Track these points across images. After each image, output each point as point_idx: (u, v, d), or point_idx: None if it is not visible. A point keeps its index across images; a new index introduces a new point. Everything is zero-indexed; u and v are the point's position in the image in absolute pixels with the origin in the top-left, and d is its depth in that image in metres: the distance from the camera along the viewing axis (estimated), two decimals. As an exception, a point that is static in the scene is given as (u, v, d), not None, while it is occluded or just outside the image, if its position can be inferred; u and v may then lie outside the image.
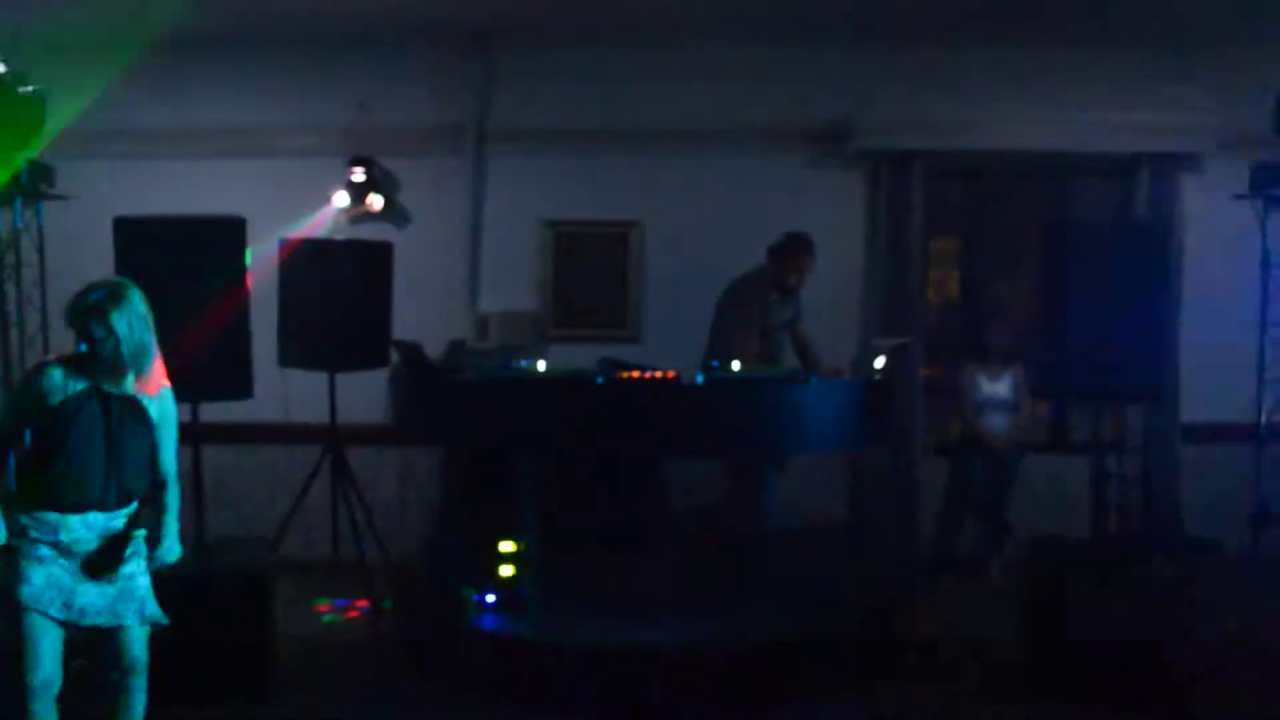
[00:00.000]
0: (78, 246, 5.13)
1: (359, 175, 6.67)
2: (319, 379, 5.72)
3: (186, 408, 4.97)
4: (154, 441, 3.40)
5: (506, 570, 5.14)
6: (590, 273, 7.01)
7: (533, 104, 6.77)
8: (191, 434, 4.78)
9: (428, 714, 4.57)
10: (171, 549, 3.49)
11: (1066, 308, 4.77)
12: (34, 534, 3.23)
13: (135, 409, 3.34)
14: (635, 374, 5.01)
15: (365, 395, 6.11)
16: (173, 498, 3.51)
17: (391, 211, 6.77)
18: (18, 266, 5.12)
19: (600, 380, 4.94)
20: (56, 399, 3.22)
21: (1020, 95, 6.60)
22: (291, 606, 5.38)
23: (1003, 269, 7.28)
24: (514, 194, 6.85)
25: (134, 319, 3.27)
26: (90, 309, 3.22)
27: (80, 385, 3.25)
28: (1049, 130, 6.59)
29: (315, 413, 5.81)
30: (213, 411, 4.91)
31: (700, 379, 4.88)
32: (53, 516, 3.23)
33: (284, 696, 4.61)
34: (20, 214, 5.14)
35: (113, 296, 3.25)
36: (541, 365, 5.56)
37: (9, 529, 3.22)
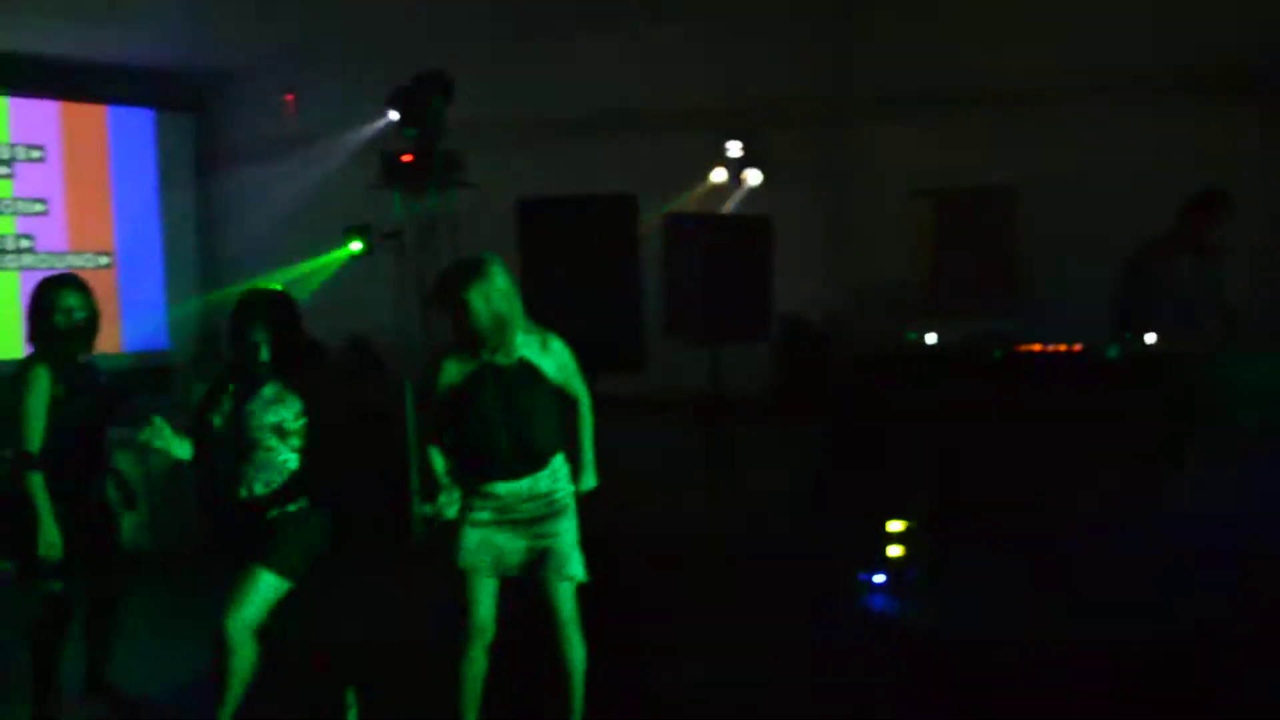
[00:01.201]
0: (485, 227, 5.52)
1: (736, 150, 6.69)
2: (703, 351, 5.79)
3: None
4: (555, 397, 3.52)
5: (894, 551, 4.95)
6: (968, 241, 6.64)
7: (903, 69, 6.49)
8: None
9: (797, 686, 4.49)
10: (588, 479, 3.60)
11: None
12: (467, 502, 3.45)
13: (528, 373, 3.44)
14: (1036, 347, 4.65)
15: (748, 368, 6.11)
16: (586, 430, 3.62)
17: (768, 184, 6.73)
18: (434, 249, 5.55)
19: (998, 354, 4.63)
20: (456, 381, 3.40)
21: None
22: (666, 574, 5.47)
23: None
24: (888, 162, 6.60)
25: (492, 292, 3.35)
26: (452, 286, 3.37)
27: (471, 365, 3.42)
28: None
29: (698, 385, 5.88)
30: (601, 384, 5.07)
31: (1114, 352, 4.45)
32: (477, 485, 3.44)
33: (662, 654, 4.71)
34: (435, 200, 5.56)
35: (472, 272, 3.37)
36: (931, 338, 5.31)
37: (459, 500, 3.44)
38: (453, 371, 3.42)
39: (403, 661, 4.91)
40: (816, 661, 4.75)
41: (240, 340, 3.42)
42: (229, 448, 3.42)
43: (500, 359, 3.41)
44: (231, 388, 3.48)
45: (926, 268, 6.63)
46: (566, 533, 3.51)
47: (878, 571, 4.92)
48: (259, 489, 3.40)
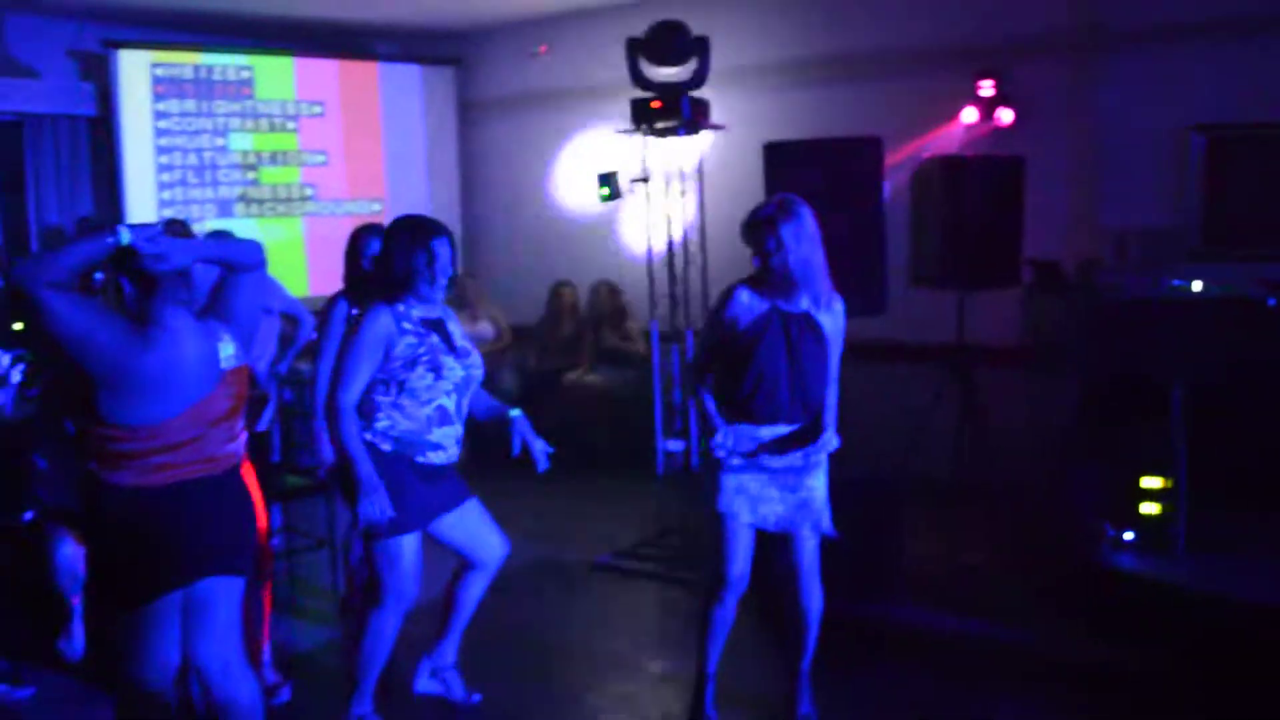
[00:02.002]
0: (732, 171, 5.62)
1: (987, 89, 6.46)
2: (948, 298, 5.68)
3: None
4: (827, 355, 3.55)
5: (1150, 508, 4.76)
6: (1248, 183, 6.15)
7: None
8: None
9: (1044, 639, 4.43)
10: (831, 439, 3.63)
11: None
12: (748, 443, 3.49)
13: (811, 326, 3.48)
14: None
15: (995, 316, 5.94)
16: (832, 395, 3.66)
17: (1020, 124, 6.48)
18: (683, 192, 5.69)
19: (1273, 302, 4.34)
20: (744, 320, 3.44)
21: None
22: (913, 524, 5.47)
23: None
24: (1154, 97, 6.18)
25: (801, 234, 3.38)
26: (762, 222, 3.42)
27: (763, 307, 3.45)
28: None
29: (943, 333, 5.79)
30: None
31: None
32: (746, 429, 3.51)
33: (907, 601, 4.75)
34: (682, 144, 5.70)
35: (783, 210, 3.40)
36: (1197, 285, 5.01)
37: (728, 443, 3.50)
38: (744, 306, 3.46)
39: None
40: (1057, 615, 4.68)
41: None
42: None
43: (787, 305, 3.46)
44: None
45: (1199, 211, 6.22)
46: (820, 488, 3.57)
47: (1128, 528, 4.76)
48: None
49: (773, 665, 3.97)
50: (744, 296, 3.46)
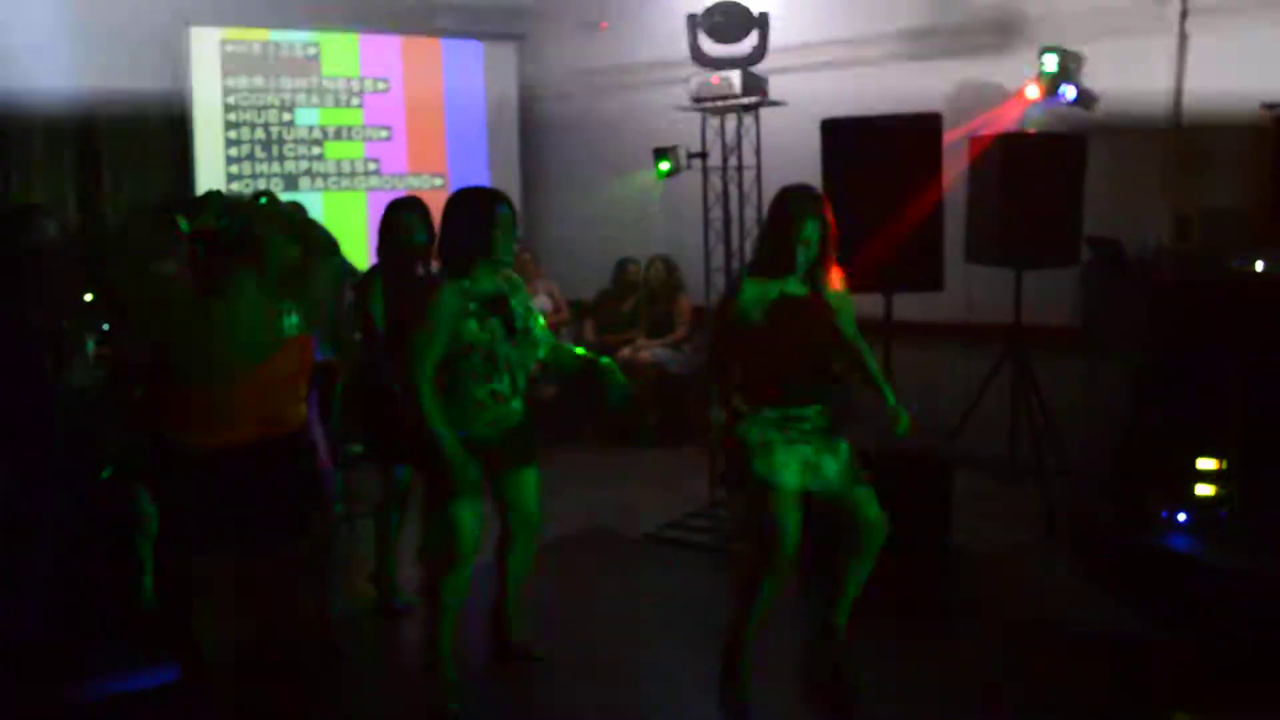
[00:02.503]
0: (790, 148, 5.62)
1: (1051, 65, 6.38)
2: (1005, 276, 5.65)
3: (879, 300, 5.26)
4: (839, 329, 3.67)
5: (1204, 490, 4.72)
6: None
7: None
8: (883, 329, 5.01)
9: (1094, 620, 4.43)
10: (890, 396, 3.75)
11: None
12: (778, 421, 3.59)
13: (820, 303, 3.62)
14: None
15: (1052, 295, 5.89)
16: (871, 362, 3.79)
17: (1084, 100, 6.38)
18: (740, 169, 5.71)
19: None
20: (761, 302, 3.57)
21: None
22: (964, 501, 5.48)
23: None
24: (1225, 73, 6.06)
25: (824, 223, 3.55)
26: (810, 213, 3.53)
27: (774, 292, 3.57)
28: None
29: (999, 312, 5.76)
30: (898, 309, 5.09)
31: None
32: (775, 410, 3.59)
33: (958, 576, 4.76)
34: (740, 121, 5.71)
35: (815, 200, 3.59)
36: (1260, 266, 4.94)
37: (759, 423, 3.59)
38: (756, 294, 3.59)
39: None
40: (1108, 596, 4.67)
41: None
42: None
43: (796, 289, 3.59)
44: None
45: (1269, 192, 6.09)
46: (848, 447, 3.66)
47: (1182, 510, 4.72)
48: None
49: (801, 632, 4.03)
50: (752, 287, 3.60)
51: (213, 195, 3.08)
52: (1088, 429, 6.03)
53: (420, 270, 4.46)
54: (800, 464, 3.58)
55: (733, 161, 5.71)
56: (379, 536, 4.65)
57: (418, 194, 4.81)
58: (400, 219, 4.47)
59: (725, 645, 3.78)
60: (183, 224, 2.77)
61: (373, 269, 4.56)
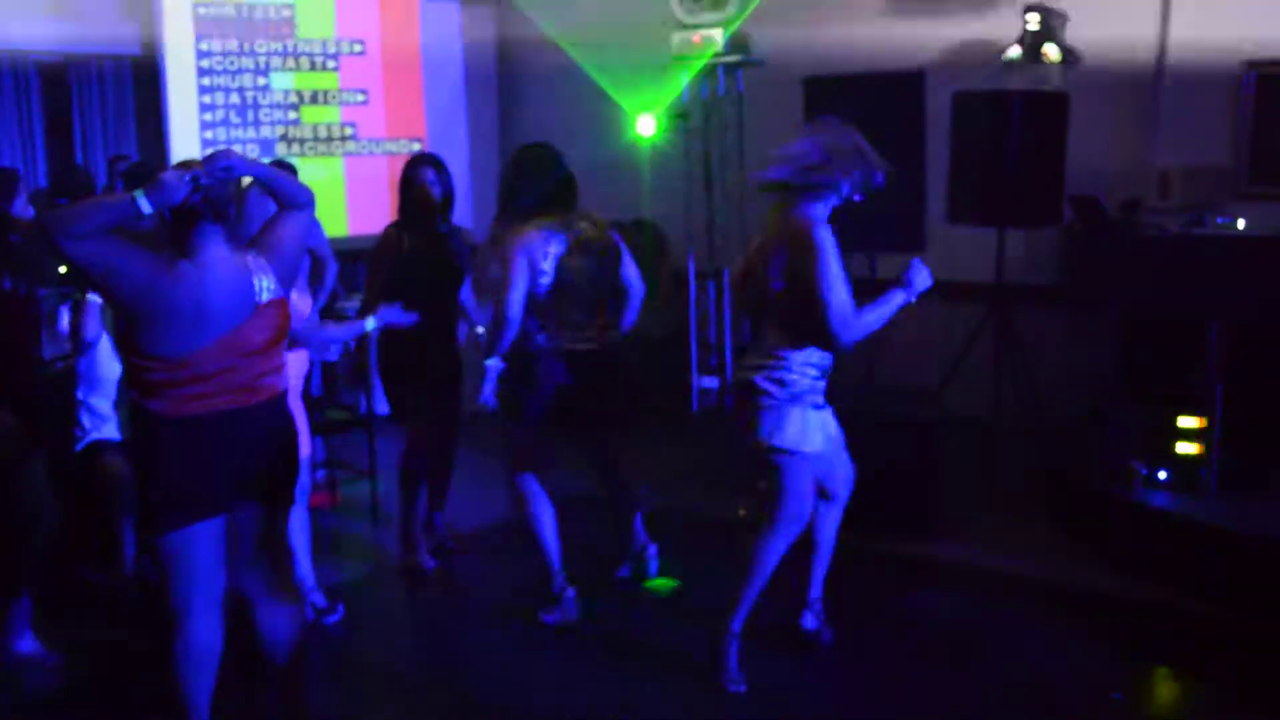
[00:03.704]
0: (771, 107, 5.57)
1: (1033, 23, 6.32)
2: (987, 235, 5.63)
3: (863, 260, 5.24)
4: None
5: (1185, 448, 4.74)
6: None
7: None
8: (872, 289, 4.97)
9: (1073, 576, 4.46)
10: None
11: None
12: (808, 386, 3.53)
13: None
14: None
15: (1034, 254, 5.89)
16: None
17: (1066, 59, 6.33)
18: (721, 128, 5.66)
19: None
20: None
21: None
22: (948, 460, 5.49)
23: None
24: (1207, 29, 6.01)
25: None
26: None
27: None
28: None
29: (982, 271, 5.74)
30: (882, 268, 5.06)
31: None
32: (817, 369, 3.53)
33: (941, 536, 4.78)
34: (722, 80, 5.65)
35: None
36: (1241, 224, 4.93)
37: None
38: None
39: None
40: (1091, 553, 4.70)
41: None
42: None
43: None
44: None
45: (1248, 150, 6.08)
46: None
47: (1163, 467, 4.74)
48: None
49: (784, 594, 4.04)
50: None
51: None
52: (1070, 387, 6.06)
53: (441, 225, 4.49)
54: (821, 430, 3.53)
55: (714, 122, 5.65)
56: (405, 499, 4.64)
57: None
58: (422, 173, 4.47)
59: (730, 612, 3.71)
60: (144, 205, 2.72)
61: (390, 226, 4.54)
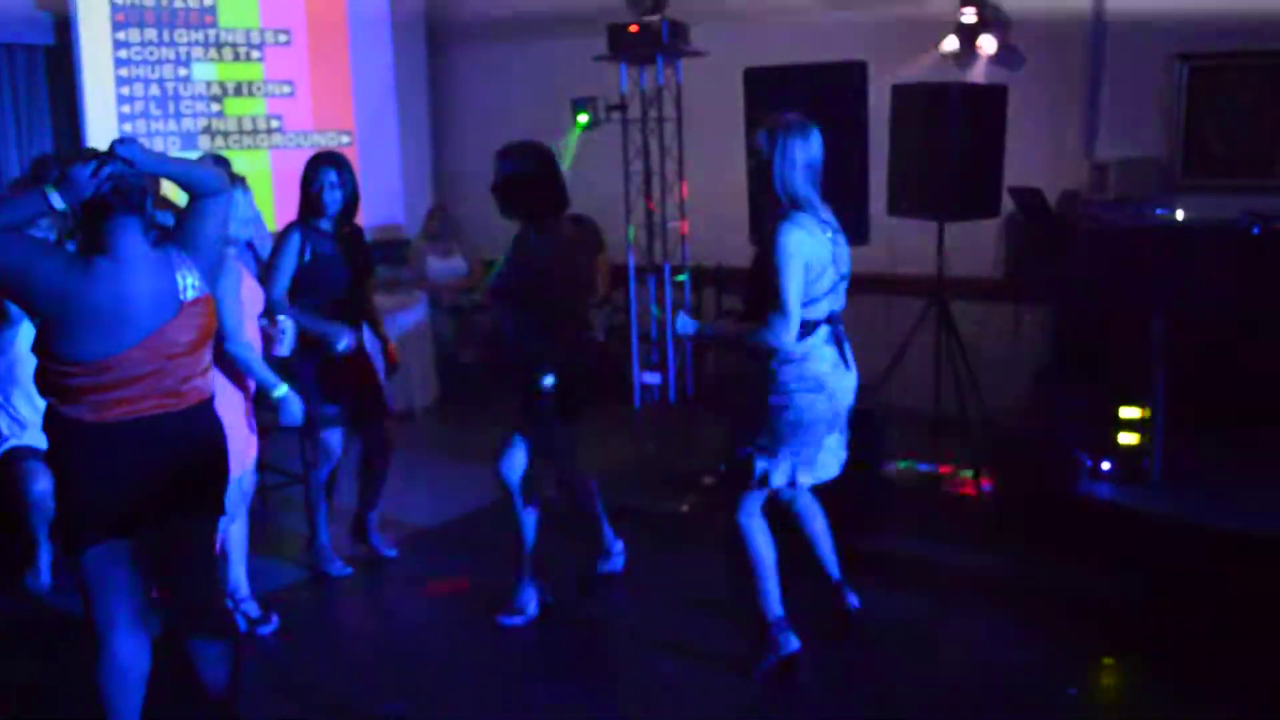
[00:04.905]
0: (711, 99, 5.48)
1: (969, 16, 6.35)
2: (927, 227, 5.61)
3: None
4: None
5: (1128, 438, 4.76)
6: (1232, 113, 6.10)
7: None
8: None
9: (1021, 570, 4.45)
10: None
11: None
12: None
13: None
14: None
15: (974, 246, 5.88)
16: None
17: (1003, 52, 6.37)
18: (659, 120, 5.57)
19: (1257, 230, 4.30)
20: None
21: None
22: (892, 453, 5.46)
23: None
24: (1140, 25, 6.09)
25: None
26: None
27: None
28: None
29: (922, 263, 5.72)
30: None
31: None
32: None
33: (883, 531, 4.76)
34: (661, 72, 5.56)
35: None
36: (1179, 215, 4.97)
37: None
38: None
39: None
40: (1034, 543, 4.70)
41: None
42: None
43: None
44: None
45: (1182, 142, 6.16)
46: None
47: (1106, 458, 4.76)
48: None
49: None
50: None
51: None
52: (1012, 379, 6.08)
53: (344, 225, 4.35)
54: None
55: (653, 114, 5.56)
56: (310, 505, 4.50)
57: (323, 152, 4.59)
58: (324, 173, 4.28)
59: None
60: (56, 200, 2.55)
61: (291, 224, 4.35)
